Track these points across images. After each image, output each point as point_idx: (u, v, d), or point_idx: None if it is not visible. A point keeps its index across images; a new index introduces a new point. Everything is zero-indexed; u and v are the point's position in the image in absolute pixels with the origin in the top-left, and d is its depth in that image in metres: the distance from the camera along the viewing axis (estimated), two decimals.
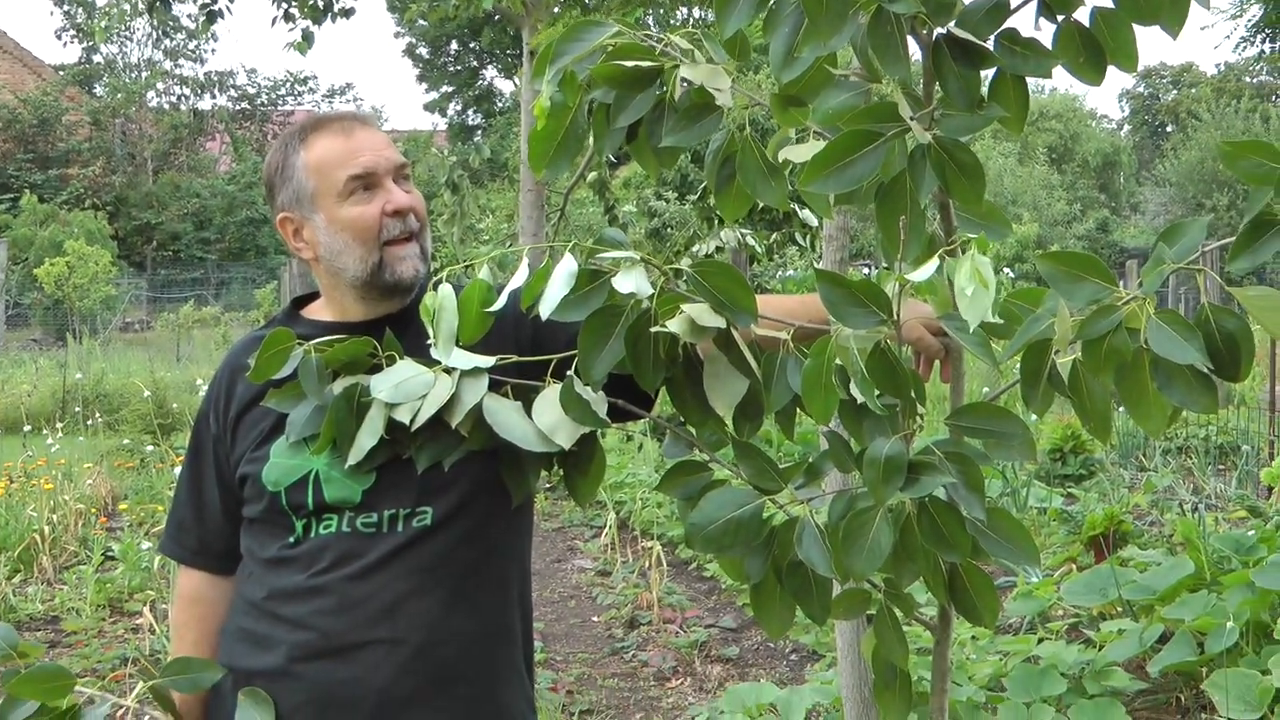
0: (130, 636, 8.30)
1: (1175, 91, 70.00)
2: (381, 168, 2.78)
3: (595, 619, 8.90)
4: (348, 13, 11.69)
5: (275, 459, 2.74)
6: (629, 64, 2.16)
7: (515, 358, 2.45)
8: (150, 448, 13.51)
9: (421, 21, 48.52)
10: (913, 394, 2.05)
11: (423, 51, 59.35)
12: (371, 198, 2.77)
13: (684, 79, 2.15)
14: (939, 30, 1.99)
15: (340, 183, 2.77)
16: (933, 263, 1.99)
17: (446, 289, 2.36)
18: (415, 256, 2.79)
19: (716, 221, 12.63)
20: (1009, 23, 2.01)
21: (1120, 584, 6.46)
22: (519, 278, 2.26)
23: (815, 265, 4.16)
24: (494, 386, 2.42)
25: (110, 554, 10.01)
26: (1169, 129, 68.39)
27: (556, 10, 10.35)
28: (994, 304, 1.95)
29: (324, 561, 2.70)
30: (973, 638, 6.39)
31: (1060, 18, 2.05)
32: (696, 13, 12.43)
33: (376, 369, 2.49)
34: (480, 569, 2.77)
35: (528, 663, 2.94)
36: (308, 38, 11.70)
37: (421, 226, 2.83)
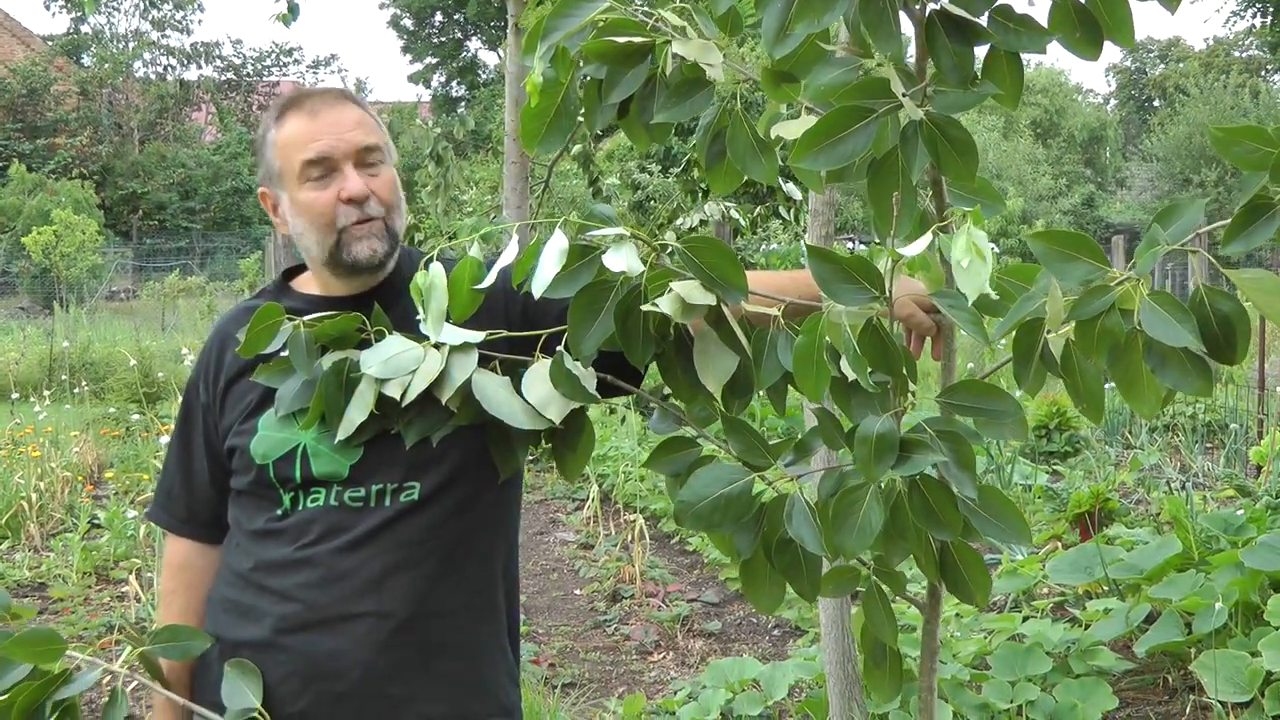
0: (116, 604, 8.32)
1: (1163, 66, 69.99)
2: (339, 151, 2.75)
3: (578, 592, 8.91)
4: None
5: (263, 431, 2.74)
6: (620, 39, 2.15)
7: (505, 333, 2.45)
8: (136, 416, 13.52)
9: None
10: (904, 371, 2.05)
11: (407, 23, 59.28)
12: (328, 183, 2.75)
13: (675, 54, 2.14)
14: (932, 6, 1.98)
15: (298, 166, 2.76)
16: (925, 238, 1.97)
17: (437, 267, 2.35)
18: (374, 237, 2.76)
19: (700, 195, 12.62)
20: None
21: (1106, 562, 6.46)
22: (509, 254, 2.25)
23: (802, 239, 4.15)
24: (483, 362, 2.41)
25: (96, 521, 10.04)
26: (1156, 104, 68.38)
27: None
28: (991, 278, 1.94)
29: (311, 534, 2.70)
30: (957, 615, 6.38)
31: None
32: None
33: (365, 344, 2.48)
34: (466, 544, 2.77)
35: (513, 638, 2.94)
36: (293, 9, 11.61)
37: (388, 209, 2.80)
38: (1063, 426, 11.65)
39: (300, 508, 2.72)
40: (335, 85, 2.95)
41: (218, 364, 2.90)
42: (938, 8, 1.98)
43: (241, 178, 48.29)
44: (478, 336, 2.40)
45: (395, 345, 2.43)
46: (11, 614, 2.45)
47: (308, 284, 2.94)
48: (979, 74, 2.03)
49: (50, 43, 52.77)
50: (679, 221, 12.40)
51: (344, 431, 2.49)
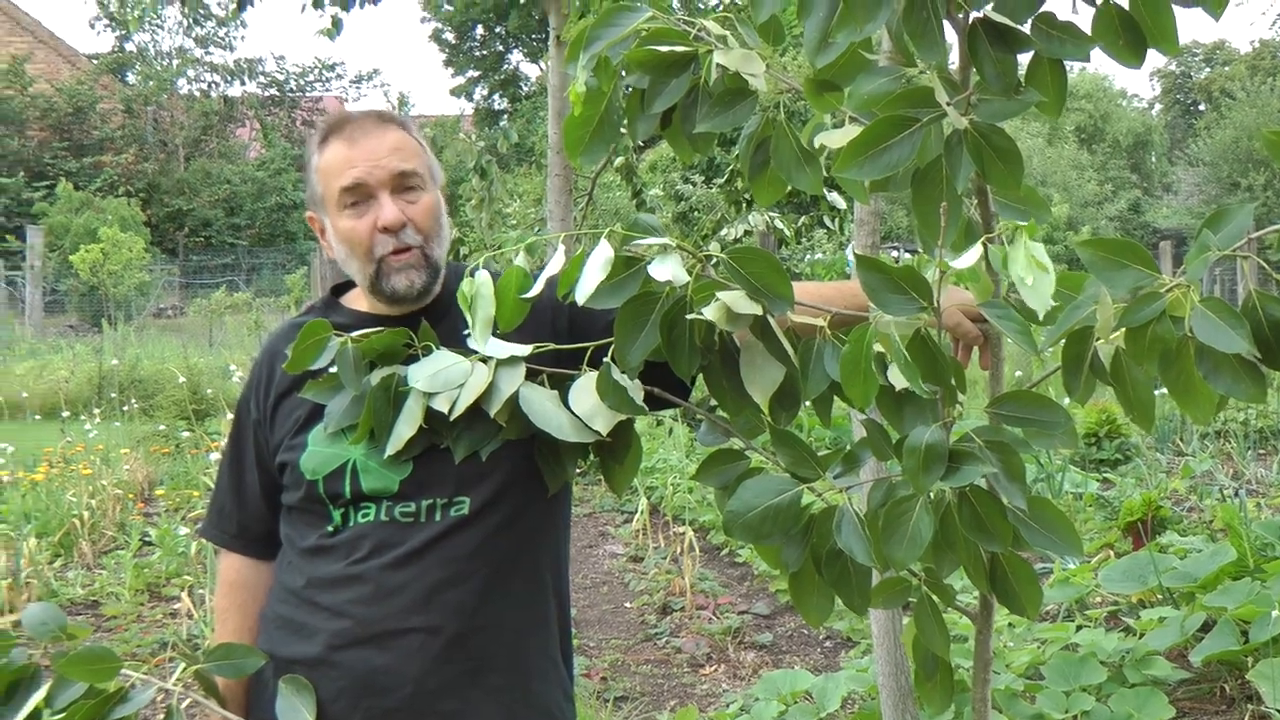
0: (168, 621, 8.34)
1: (1208, 69, 69.61)
2: (375, 179, 2.76)
3: (628, 605, 8.90)
4: None
5: (313, 447, 2.76)
6: (663, 49, 2.15)
7: (552, 345, 2.45)
8: (185, 433, 13.56)
9: (447, 6, 48.68)
10: (953, 381, 2.03)
11: (448, 36, 59.34)
12: (364, 211, 2.77)
13: (718, 64, 2.13)
14: (975, 14, 1.97)
15: (336, 193, 2.79)
16: (975, 250, 1.96)
17: (483, 275, 2.36)
18: (412, 268, 2.77)
19: (744, 205, 12.60)
20: (1046, 6, 1.99)
21: (1160, 571, 6.41)
22: (555, 264, 2.25)
23: (846, 249, 4.14)
24: (530, 375, 2.42)
25: (147, 539, 10.07)
26: (1202, 107, 67.97)
27: None
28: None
29: (362, 550, 2.71)
30: (1010, 625, 6.35)
31: (1098, 0, 2.01)
32: None
33: (413, 359, 2.49)
34: (516, 558, 2.78)
35: (565, 653, 2.94)
36: (336, 24, 11.67)
37: (426, 236, 2.80)
38: (1113, 434, 11.58)
39: (351, 523, 2.73)
40: (378, 107, 2.91)
41: (268, 380, 2.91)
42: (981, 15, 1.97)
43: (286, 193, 48.47)
44: (525, 350, 2.41)
45: (443, 359, 2.44)
46: (67, 634, 2.46)
47: (356, 300, 2.95)
48: (1022, 81, 2.02)
49: (95, 61, 53.04)
50: (723, 232, 12.36)
51: (393, 446, 2.50)
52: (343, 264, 2.84)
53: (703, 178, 23.30)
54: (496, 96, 59.55)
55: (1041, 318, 1.96)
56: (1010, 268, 1.91)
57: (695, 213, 20.48)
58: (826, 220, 12.68)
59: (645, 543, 10.17)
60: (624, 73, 2.20)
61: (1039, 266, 1.88)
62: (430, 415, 2.47)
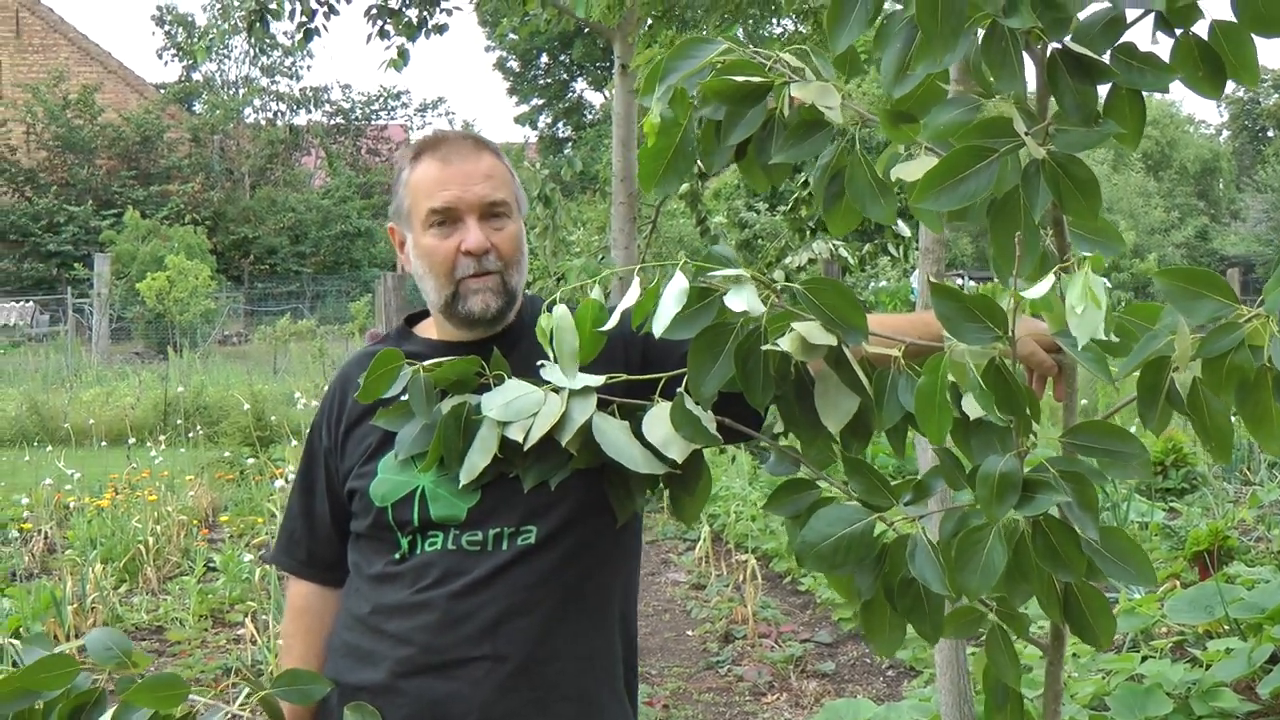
0: (232, 647, 8.39)
1: (1276, 95, 69.05)
2: (464, 203, 2.79)
3: (690, 633, 8.89)
4: (441, 29, 11.76)
5: (383, 474, 2.77)
6: (739, 79, 2.15)
7: (625, 376, 2.46)
8: (250, 460, 13.64)
9: (512, 35, 48.82)
10: (1027, 411, 2.03)
11: (513, 65, 59.56)
12: (450, 233, 2.79)
13: (794, 97, 2.14)
14: (1054, 45, 1.97)
15: (424, 212, 2.81)
16: (1049, 280, 1.96)
17: (562, 310, 2.37)
18: (490, 291, 2.79)
19: (808, 232, 12.60)
20: (1125, 36, 1.99)
21: (1226, 601, 6.35)
22: (629, 297, 2.26)
23: (912, 277, 4.13)
24: (601, 405, 2.42)
25: (212, 565, 10.15)
26: (1270, 134, 67.45)
27: (649, 24, 10.34)
28: (1108, 322, 1.92)
29: (429, 578, 2.72)
30: (1074, 655, 6.30)
31: (1178, 31, 2.01)
32: (789, 25, 12.41)
33: (484, 388, 2.50)
34: (583, 589, 2.78)
35: (630, 686, 2.95)
36: (403, 54, 11.77)
37: (507, 264, 2.82)
38: (1179, 463, 11.49)
39: (418, 551, 2.74)
40: (467, 132, 2.92)
41: (339, 408, 2.94)
42: (1060, 46, 1.97)
43: (350, 221, 48.73)
44: (597, 380, 2.42)
45: (516, 389, 2.45)
46: (132, 661, 2.48)
47: (429, 329, 2.98)
48: (1101, 112, 2.02)
49: (163, 91, 53.56)
50: (787, 260, 12.38)
51: (466, 475, 2.51)
52: (419, 279, 2.86)
53: (767, 205, 23.29)
54: (561, 124, 59.72)
55: (1080, 347, 1.95)
56: (1067, 294, 1.91)
57: (759, 240, 20.48)
58: (891, 247, 12.67)
59: (707, 570, 10.16)
60: (699, 104, 2.21)
61: (1093, 299, 1.88)
62: (501, 444, 2.48)
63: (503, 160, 2.89)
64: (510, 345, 2.71)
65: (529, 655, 2.69)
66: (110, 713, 2.38)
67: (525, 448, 2.43)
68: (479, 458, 2.48)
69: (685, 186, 12.82)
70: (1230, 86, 2.03)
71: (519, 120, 60.72)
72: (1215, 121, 75.40)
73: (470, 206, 2.78)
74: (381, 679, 2.72)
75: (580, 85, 59.76)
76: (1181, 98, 69.36)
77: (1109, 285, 1.95)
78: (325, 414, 2.99)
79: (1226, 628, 6.47)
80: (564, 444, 2.42)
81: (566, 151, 49.82)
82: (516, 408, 2.43)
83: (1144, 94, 2.06)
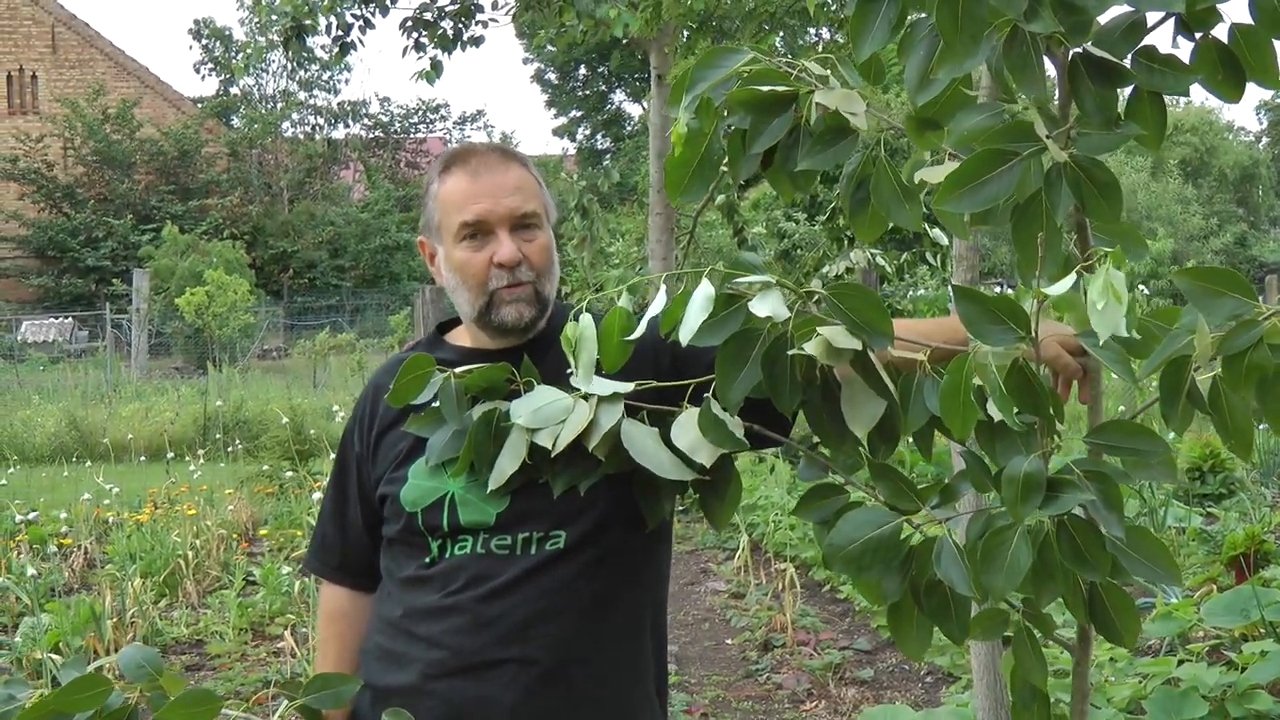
0: (272, 660, 8.42)
1: None
2: (494, 217, 2.81)
3: (729, 641, 8.89)
4: (477, 41, 11.80)
5: (413, 480, 2.80)
6: (764, 89, 2.17)
7: (654, 383, 2.47)
8: (289, 474, 13.70)
9: (550, 47, 48.91)
10: (1051, 412, 2.05)
11: (551, 77, 59.63)
12: (482, 245, 2.82)
13: (819, 104, 2.16)
14: (1075, 49, 1.99)
15: (455, 225, 2.83)
16: (1070, 278, 1.97)
17: (587, 319, 2.39)
18: (523, 301, 2.82)
19: (846, 242, 12.59)
20: (1146, 40, 2.00)
21: (1263, 604, 6.33)
22: (657, 304, 2.28)
23: (949, 284, 4.14)
24: (631, 411, 2.44)
25: (252, 578, 10.17)
26: None
27: (686, 36, 10.37)
28: (1130, 319, 1.94)
29: (458, 581, 2.75)
30: (1111, 659, 6.29)
31: (1198, 35, 2.03)
32: (826, 34, 12.42)
33: (514, 394, 2.52)
34: (612, 594, 2.80)
35: (660, 693, 2.95)
36: (436, 67, 11.81)
37: (539, 274, 2.85)
38: (1216, 468, 11.43)
39: (448, 555, 2.77)
40: (495, 144, 2.95)
41: (371, 414, 2.96)
42: (1081, 51, 1.98)
43: (389, 234, 48.83)
44: (627, 387, 2.43)
45: (545, 395, 2.47)
46: (162, 679, 2.49)
47: (461, 336, 3.00)
48: (1122, 115, 2.03)
49: (201, 105, 53.79)
50: (825, 269, 12.37)
51: (495, 481, 2.53)
52: (451, 292, 2.89)
53: (805, 215, 23.29)
54: (600, 136, 59.74)
55: (1100, 343, 1.96)
56: (1089, 289, 1.92)
57: (798, 250, 20.48)
58: (929, 256, 12.65)
59: (746, 579, 10.16)
60: (725, 113, 2.23)
61: (1114, 294, 1.89)
62: (530, 450, 2.50)
63: (531, 170, 2.92)
64: (541, 353, 2.73)
65: (558, 659, 2.72)
66: None
67: (553, 454, 2.45)
68: (508, 463, 2.50)
69: (721, 198, 12.83)
70: (1267, 93, 2.05)
71: (557, 132, 60.86)
72: (1254, 128, 74.78)
73: (501, 219, 2.81)
74: (412, 681, 2.75)
75: (619, 97, 59.80)
76: (1220, 104, 68.95)
77: (1146, 292, 1.96)
78: (357, 421, 3.02)
79: (1262, 630, 6.46)
80: (590, 448, 2.43)
81: (605, 163, 49.87)
82: (545, 414, 2.45)
83: (1165, 97, 2.07)
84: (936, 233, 12.03)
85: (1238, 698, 5.65)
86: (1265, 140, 70.59)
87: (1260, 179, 61.56)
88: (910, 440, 2.29)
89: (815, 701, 7.57)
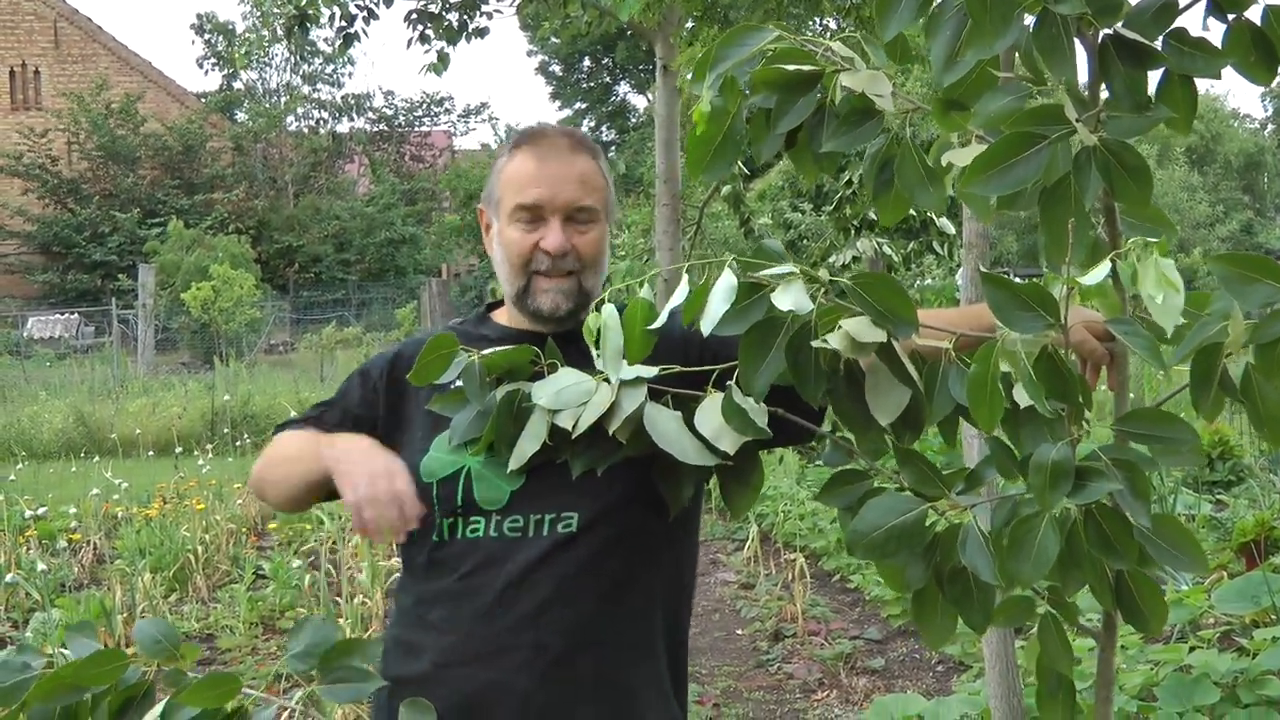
0: (282, 653, 8.38)
1: None
2: (551, 205, 2.81)
3: (739, 631, 8.90)
4: (482, 33, 11.76)
5: (435, 452, 2.79)
6: (790, 68, 2.15)
7: (679, 369, 2.45)
8: None
9: (554, 39, 48.88)
10: (1080, 399, 2.02)
11: (555, 69, 59.70)
12: (533, 229, 2.82)
13: (844, 86, 2.14)
14: (1105, 31, 1.96)
15: (511, 205, 2.83)
16: (1104, 267, 1.95)
17: (610, 309, 2.38)
18: (560, 292, 2.82)
19: (852, 231, 12.57)
20: (1177, 22, 1.98)
21: (1273, 591, 6.33)
22: (679, 295, 2.26)
23: (957, 274, 4.12)
24: (655, 396, 2.43)
25: (261, 573, 10.18)
26: None
27: (690, 25, 10.33)
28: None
29: (469, 565, 2.74)
30: (1123, 647, 6.28)
31: (1230, 17, 2.00)
32: (832, 24, 12.39)
33: (538, 376, 2.51)
34: (626, 580, 2.78)
35: (676, 682, 2.94)
36: (443, 59, 11.77)
37: (584, 266, 2.84)
38: (1226, 455, 11.41)
39: (459, 536, 2.76)
40: (570, 131, 2.94)
41: (401, 380, 2.89)
42: (1111, 33, 1.96)
43: (395, 228, 48.88)
44: (651, 372, 2.42)
45: (567, 378, 2.46)
46: (179, 652, 2.46)
47: (503, 315, 3.01)
48: (1152, 98, 2.01)
49: (204, 100, 53.84)
50: (831, 259, 12.35)
51: (515, 462, 2.51)
52: (496, 266, 2.91)
53: (811, 205, 23.26)
54: (605, 128, 59.77)
55: (1170, 335, 1.94)
56: (1140, 285, 1.90)
57: (804, 240, 20.46)
58: (936, 245, 12.64)
59: (756, 570, 10.18)
60: (749, 92, 2.21)
61: (1169, 284, 1.87)
62: (551, 431, 2.48)
63: (600, 163, 2.92)
64: (577, 340, 2.72)
65: (570, 645, 2.71)
66: (160, 707, 2.38)
67: (573, 435, 2.44)
68: (529, 444, 2.48)
69: (728, 188, 12.81)
70: (1275, 81, 2.02)
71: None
72: (1260, 115, 74.65)
73: (556, 208, 2.81)
74: (424, 669, 2.75)
75: (623, 89, 59.90)
76: (1227, 90, 68.93)
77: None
78: (384, 373, 2.99)
79: (1273, 616, 6.45)
80: (611, 431, 2.42)
81: (610, 155, 49.91)
82: (566, 396, 2.44)
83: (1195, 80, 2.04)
84: (944, 222, 12.03)
85: (1249, 684, 5.64)
86: (1271, 127, 70.53)
87: (1266, 166, 61.55)
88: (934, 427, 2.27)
89: (826, 691, 7.57)
